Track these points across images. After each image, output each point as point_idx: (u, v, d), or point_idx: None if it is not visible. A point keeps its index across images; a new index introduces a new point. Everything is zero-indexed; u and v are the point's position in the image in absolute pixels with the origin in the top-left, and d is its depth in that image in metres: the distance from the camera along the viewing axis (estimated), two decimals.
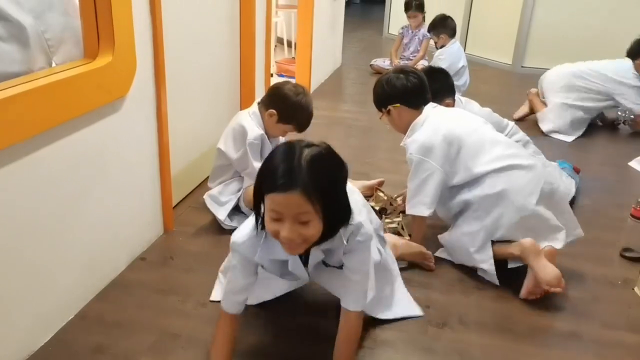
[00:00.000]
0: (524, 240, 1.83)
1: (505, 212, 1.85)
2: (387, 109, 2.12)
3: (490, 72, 5.55)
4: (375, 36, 7.35)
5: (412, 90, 2.05)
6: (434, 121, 2.00)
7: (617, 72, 3.61)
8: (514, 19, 5.46)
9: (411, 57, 5.08)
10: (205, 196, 2.31)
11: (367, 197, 2.58)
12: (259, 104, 2.32)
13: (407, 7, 5.01)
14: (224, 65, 2.79)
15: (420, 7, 4.96)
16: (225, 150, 2.27)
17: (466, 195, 1.94)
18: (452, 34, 4.29)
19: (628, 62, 3.61)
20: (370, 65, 5.20)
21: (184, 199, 2.50)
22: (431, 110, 2.06)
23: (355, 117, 3.91)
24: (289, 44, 5.80)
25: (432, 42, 4.47)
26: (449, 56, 4.21)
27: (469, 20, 6.00)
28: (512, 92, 4.96)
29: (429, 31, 4.49)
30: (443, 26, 4.29)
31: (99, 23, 1.68)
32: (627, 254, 2.15)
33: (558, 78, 3.83)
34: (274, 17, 5.20)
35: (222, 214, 2.24)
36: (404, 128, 2.11)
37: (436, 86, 2.46)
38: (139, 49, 1.86)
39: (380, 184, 2.66)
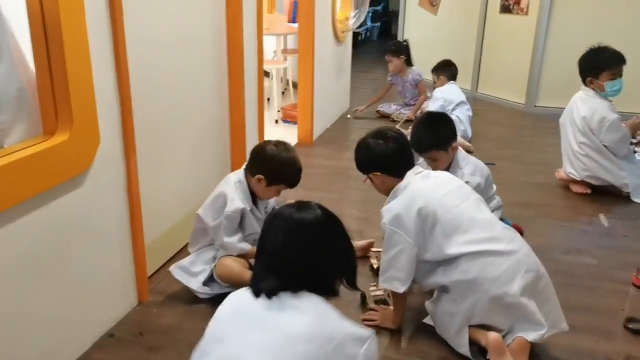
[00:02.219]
0: (490, 336, 1.69)
1: (479, 301, 1.71)
2: (369, 176, 2.02)
3: (503, 112, 5.41)
4: (387, 76, 7.28)
5: (392, 157, 1.94)
6: (413, 190, 1.88)
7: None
8: (526, 58, 5.34)
9: (411, 103, 5.01)
10: (172, 267, 2.20)
11: (359, 258, 2.47)
12: (245, 169, 2.25)
13: (385, 51, 5.02)
14: (210, 123, 2.74)
15: (396, 52, 4.91)
16: (202, 216, 2.20)
17: (441, 278, 1.80)
18: (451, 77, 4.31)
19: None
20: (377, 110, 5.13)
21: (164, 264, 2.42)
22: (413, 177, 1.93)
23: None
24: (296, 86, 5.77)
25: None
26: (442, 93, 4.24)
27: (480, 59, 5.90)
28: (524, 134, 4.81)
29: (432, 72, 4.49)
30: (444, 69, 4.36)
31: (56, 98, 1.65)
32: (631, 326, 1.98)
33: None
34: (278, 65, 5.20)
35: (194, 284, 2.15)
36: (387, 192, 2.00)
37: (438, 135, 2.42)
38: (104, 117, 1.81)
39: (370, 245, 2.55)
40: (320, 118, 4.40)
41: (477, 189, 2.39)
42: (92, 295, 1.88)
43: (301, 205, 1.37)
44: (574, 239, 2.74)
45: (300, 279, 1.27)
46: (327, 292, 1.32)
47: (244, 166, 2.27)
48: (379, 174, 1.96)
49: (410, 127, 4.06)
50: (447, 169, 2.44)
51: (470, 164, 2.50)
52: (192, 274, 2.17)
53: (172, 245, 2.52)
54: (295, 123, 4.44)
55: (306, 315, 1.21)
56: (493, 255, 1.71)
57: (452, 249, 1.75)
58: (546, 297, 1.75)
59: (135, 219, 2.04)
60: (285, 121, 4.83)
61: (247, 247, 2.20)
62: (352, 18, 4.73)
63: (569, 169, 3.37)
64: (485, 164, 3.77)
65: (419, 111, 4.82)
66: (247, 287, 1.31)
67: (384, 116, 5.05)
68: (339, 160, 3.95)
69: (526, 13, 5.31)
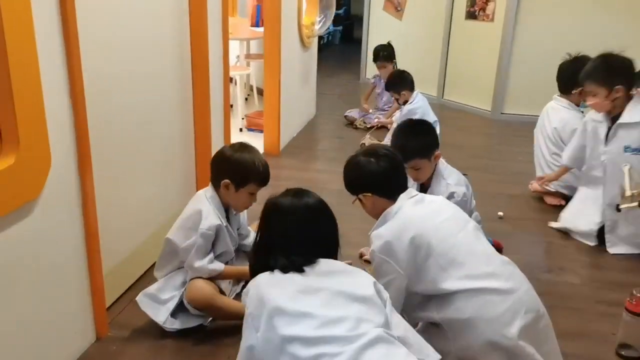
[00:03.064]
0: None
1: (473, 342, 1.57)
2: (358, 196, 1.86)
3: (469, 120, 5.38)
4: (352, 81, 7.19)
5: (385, 177, 1.79)
6: (405, 216, 1.72)
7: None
8: (492, 64, 5.32)
9: (385, 108, 4.89)
10: (139, 297, 2.00)
11: None
12: (211, 184, 2.10)
13: (375, 57, 4.86)
14: (173, 133, 2.55)
15: (389, 57, 4.79)
16: (173, 239, 2.02)
17: (432, 314, 1.65)
18: (412, 87, 4.13)
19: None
20: (345, 116, 5.00)
21: (125, 292, 2.21)
22: (406, 200, 1.77)
23: (327, 177, 3.66)
24: (261, 92, 5.59)
25: None
26: (419, 109, 4.06)
27: (445, 65, 5.86)
28: (492, 142, 4.78)
29: (387, 89, 4.31)
30: (402, 83, 4.12)
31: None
32: (624, 352, 1.90)
33: None
34: (243, 71, 5.01)
35: (162, 314, 1.95)
36: (378, 215, 1.84)
37: (421, 142, 2.30)
38: (56, 137, 1.61)
39: None
40: (287, 127, 4.24)
41: (464, 199, 2.30)
42: (45, 333, 1.67)
43: (297, 192, 1.57)
44: (554, 256, 2.67)
45: (318, 253, 1.48)
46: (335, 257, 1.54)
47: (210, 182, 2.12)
48: (369, 194, 1.81)
49: (388, 136, 4.07)
50: (429, 180, 2.34)
51: (454, 174, 2.40)
52: (160, 301, 1.98)
53: (135, 269, 2.31)
54: (260, 131, 4.26)
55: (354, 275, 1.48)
56: (492, 294, 1.57)
57: (448, 284, 1.60)
58: (545, 337, 1.62)
59: (92, 247, 1.83)
60: (250, 129, 4.65)
61: (219, 267, 2.04)
62: (318, 23, 4.59)
63: None
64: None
65: (391, 117, 4.73)
66: (265, 273, 1.45)
67: (352, 122, 4.92)
68: (308, 172, 3.80)
69: (492, 20, 5.29)
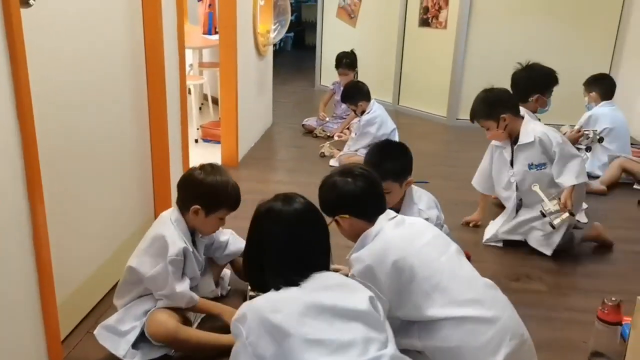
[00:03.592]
0: None
1: None
2: (335, 218, 1.78)
3: (426, 126, 5.41)
4: (307, 88, 7.14)
5: (362, 197, 1.72)
6: (386, 239, 1.64)
7: None
8: (446, 71, 5.38)
9: (344, 116, 4.86)
10: (97, 330, 1.87)
11: None
12: (177, 206, 1.99)
13: (338, 64, 4.81)
14: (128, 149, 2.42)
15: (351, 65, 4.76)
16: (137, 267, 1.89)
17: (415, 341, 1.59)
18: (368, 97, 4.09)
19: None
20: (303, 124, 4.93)
21: (81, 321, 2.06)
22: (386, 222, 1.69)
23: (288, 189, 3.50)
24: (215, 101, 5.47)
25: None
26: (377, 118, 4.05)
27: (400, 72, 5.89)
28: (450, 149, 4.82)
29: (343, 102, 4.26)
30: (359, 94, 4.08)
31: None
32: None
33: None
34: (198, 80, 4.88)
35: (122, 348, 1.82)
36: (355, 237, 1.75)
37: (396, 165, 2.21)
38: (2, 161, 1.48)
39: None
40: (245, 137, 4.14)
41: (438, 222, 2.25)
42: None
43: (286, 197, 1.59)
44: (520, 263, 2.68)
45: (312, 263, 1.48)
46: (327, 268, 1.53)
47: (175, 204, 2.01)
48: (347, 216, 1.73)
49: (347, 147, 4.03)
50: (398, 204, 2.25)
51: (424, 196, 2.33)
52: (120, 333, 1.85)
53: (91, 297, 2.17)
54: (216, 142, 4.15)
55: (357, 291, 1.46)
56: (477, 323, 1.51)
57: (432, 311, 1.54)
58: None
59: (45, 277, 1.69)
60: (205, 140, 4.52)
61: (196, 297, 1.94)
62: (273, 31, 4.51)
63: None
64: (418, 182, 3.72)
65: (348, 127, 4.70)
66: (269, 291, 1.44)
67: (310, 131, 4.86)
68: (268, 183, 3.71)
69: (445, 27, 5.35)
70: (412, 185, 2.30)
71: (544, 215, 2.55)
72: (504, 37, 5.19)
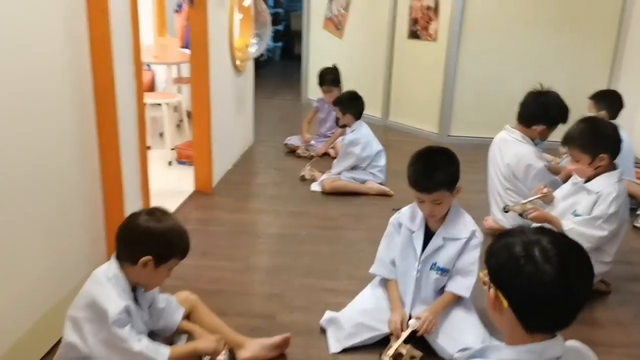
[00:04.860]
0: None
1: None
2: None
3: (416, 143, 5.08)
4: (293, 101, 6.85)
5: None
6: None
7: None
8: (437, 85, 5.12)
9: (328, 134, 4.58)
10: None
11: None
12: (117, 259, 1.70)
13: (321, 81, 4.53)
14: (71, 186, 2.12)
15: (336, 81, 4.49)
16: (76, 343, 1.61)
17: None
18: (357, 115, 3.85)
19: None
20: (285, 143, 4.64)
21: None
22: None
23: (266, 219, 3.30)
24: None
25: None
26: (361, 138, 3.80)
27: (389, 85, 5.62)
28: None
29: (334, 104, 4.01)
30: (351, 105, 3.85)
31: None
32: None
33: None
34: (172, 98, 4.58)
35: None
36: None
37: (449, 173, 2.07)
38: None
39: (286, 341, 2.03)
40: (220, 159, 3.84)
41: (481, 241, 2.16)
42: None
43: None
44: None
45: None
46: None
47: (113, 256, 1.72)
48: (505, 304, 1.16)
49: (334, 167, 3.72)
50: (443, 217, 2.14)
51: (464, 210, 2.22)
52: None
53: (28, 355, 1.87)
54: (192, 164, 3.85)
55: None
56: None
57: None
58: None
59: None
60: (180, 162, 4.22)
61: (165, 351, 1.69)
62: (252, 45, 4.23)
63: (499, 216, 3.08)
64: (398, 209, 3.43)
65: (332, 146, 4.43)
66: None
67: (292, 150, 4.57)
68: (244, 213, 3.41)
69: (435, 39, 5.09)
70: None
71: (521, 215, 2.44)
72: (496, 50, 4.94)
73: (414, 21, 5.22)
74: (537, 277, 1.08)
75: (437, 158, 2.11)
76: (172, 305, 1.91)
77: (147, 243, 1.67)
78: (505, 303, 1.14)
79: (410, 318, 2.09)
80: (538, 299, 1.09)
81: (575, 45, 4.87)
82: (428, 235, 2.17)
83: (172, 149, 4.30)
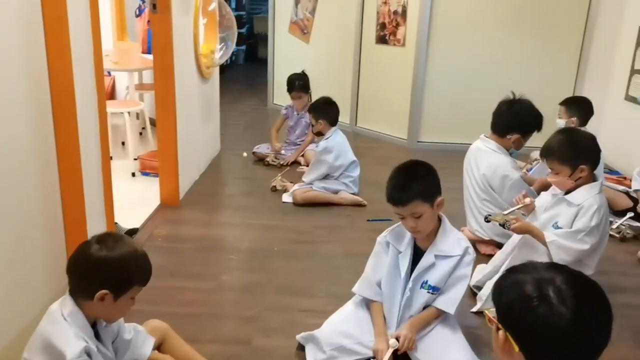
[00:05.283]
0: None
1: None
2: None
3: (386, 149, 5.09)
4: (259, 107, 6.73)
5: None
6: None
7: None
8: (406, 91, 5.08)
9: (298, 142, 4.48)
10: None
11: None
12: (71, 295, 1.55)
13: (290, 87, 4.42)
14: (28, 209, 1.96)
15: (305, 88, 4.39)
16: None
17: None
18: (332, 122, 3.77)
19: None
20: (254, 152, 4.51)
21: None
22: None
23: (237, 234, 3.16)
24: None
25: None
26: (335, 146, 3.71)
27: (357, 91, 5.55)
28: None
29: (308, 111, 3.93)
30: (325, 112, 3.76)
31: None
32: None
33: None
34: (134, 107, 4.39)
35: None
36: None
37: (424, 183, 2.01)
38: None
39: None
40: (187, 170, 3.69)
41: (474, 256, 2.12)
42: None
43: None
44: None
45: None
46: None
47: (67, 292, 1.57)
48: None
49: (306, 176, 3.63)
50: (432, 235, 2.06)
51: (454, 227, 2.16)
52: None
53: None
54: (157, 175, 3.68)
55: None
56: None
57: None
58: None
59: None
60: (144, 173, 4.05)
61: None
62: (218, 51, 4.09)
63: (475, 227, 3.03)
64: (381, 220, 3.38)
65: (302, 154, 4.33)
66: None
67: (261, 159, 4.45)
68: (214, 227, 3.27)
69: (403, 44, 5.05)
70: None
71: (502, 226, 2.41)
72: (465, 55, 4.94)
73: (382, 26, 5.17)
74: (552, 321, 0.99)
75: (414, 170, 2.05)
76: (140, 336, 1.77)
77: (102, 275, 1.52)
78: (516, 348, 1.05)
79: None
80: (552, 344, 1.00)
81: (542, 50, 4.90)
82: (419, 254, 2.09)
83: (135, 159, 4.12)
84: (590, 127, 3.86)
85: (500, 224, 2.43)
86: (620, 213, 3.45)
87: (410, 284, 2.06)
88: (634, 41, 4.38)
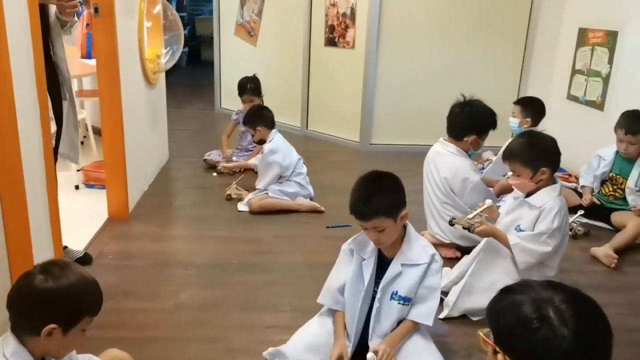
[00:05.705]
0: None
1: None
2: None
3: (338, 153, 5.04)
4: (207, 111, 6.55)
5: None
6: None
7: None
8: (357, 93, 5.05)
9: (250, 148, 4.36)
10: None
11: None
12: (14, 332, 1.40)
13: (242, 91, 4.30)
14: None
15: (257, 91, 4.29)
16: None
17: None
18: (270, 125, 3.70)
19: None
20: (204, 159, 4.36)
21: None
22: None
23: (193, 247, 3.02)
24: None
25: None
26: (280, 147, 3.64)
27: (308, 94, 5.49)
28: None
29: (244, 124, 3.86)
30: (260, 118, 3.69)
31: None
32: None
33: None
34: (79, 114, 4.14)
35: None
36: None
37: (388, 198, 1.92)
38: None
39: None
40: (136, 181, 3.51)
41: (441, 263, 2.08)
42: None
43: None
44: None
45: None
46: None
47: (9, 331, 1.42)
48: None
49: (259, 182, 3.53)
50: (398, 244, 1.99)
51: (420, 235, 2.11)
52: None
53: None
54: (103, 187, 3.48)
55: None
56: None
57: None
58: None
59: None
60: (89, 185, 3.83)
61: None
62: (164, 56, 3.93)
63: (436, 230, 3.03)
64: (341, 226, 3.32)
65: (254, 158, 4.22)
66: None
67: (212, 166, 4.31)
68: (168, 241, 3.12)
69: (353, 47, 5.03)
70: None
71: (467, 229, 2.40)
72: (415, 56, 4.97)
73: (331, 29, 5.13)
74: (554, 344, 0.95)
75: (379, 183, 1.96)
76: None
77: (49, 309, 1.37)
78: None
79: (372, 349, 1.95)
80: None
81: (488, 51, 4.99)
82: (385, 262, 2.03)
83: (78, 171, 3.89)
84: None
85: (464, 228, 2.42)
86: (571, 210, 3.54)
87: (379, 294, 2.01)
88: (574, 42, 4.52)
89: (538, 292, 1.02)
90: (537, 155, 2.33)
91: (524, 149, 2.35)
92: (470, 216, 2.45)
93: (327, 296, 2.12)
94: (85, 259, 2.71)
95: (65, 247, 2.69)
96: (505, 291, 1.08)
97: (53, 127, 2.44)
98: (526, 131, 2.51)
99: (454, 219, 2.49)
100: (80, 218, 3.26)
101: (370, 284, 2.02)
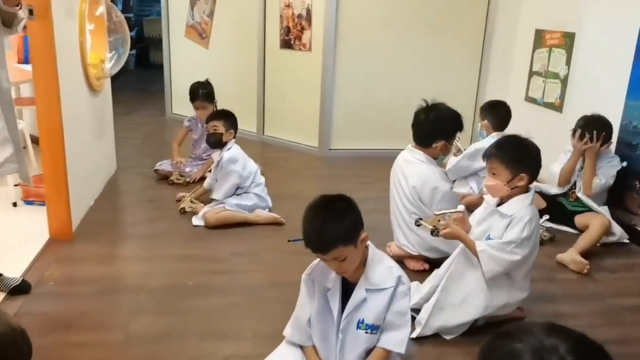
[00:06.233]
0: None
1: None
2: None
3: (297, 159, 4.87)
4: (157, 117, 6.25)
5: None
6: None
7: None
8: (315, 97, 4.90)
9: (204, 157, 4.13)
10: None
11: None
12: None
13: (193, 97, 4.07)
14: None
15: (210, 97, 4.06)
16: None
17: None
18: (234, 129, 3.50)
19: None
20: (155, 170, 4.11)
21: None
22: None
23: (144, 269, 2.78)
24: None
25: None
26: (239, 155, 3.45)
27: (263, 98, 5.29)
28: (329, 187, 4.27)
29: (207, 122, 3.59)
30: (229, 117, 3.49)
31: None
32: None
33: None
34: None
35: None
36: None
37: (344, 224, 1.71)
38: None
39: None
40: (79, 196, 3.24)
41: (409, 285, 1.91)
42: None
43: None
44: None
45: None
46: None
47: None
48: None
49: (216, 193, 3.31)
50: (360, 268, 1.81)
51: (384, 254, 1.95)
52: None
53: None
54: (43, 203, 3.20)
55: None
56: None
57: None
58: None
59: None
60: (28, 202, 3.53)
61: None
62: (109, 60, 3.66)
63: (403, 241, 2.90)
64: (295, 240, 3.12)
65: (209, 169, 3.99)
66: None
67: (165, 177, 4.06)
68: (116, 263, 2.88)
69: (309, 49, 4.87)
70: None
71: (432, 232, 2.32)
72: (372, 58, 4.85)
73: (287, 30, 4.95)
74: None
75: (330, 209, 1.73)
76: None
77: None
78: None
79: None
80: None
81: (446, 52, 4.93)
82: (349, 288, 1.87)
83: (16, 186, 3.58)
84: None
85: (430, 231, 2.31)
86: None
87: (342, 324, 1.84)
88: (531, 43, 4.51)
89: (540, 339, 0.87)
90: (521, 159, 2.24)
91: (510, 149, 2.26)
92: (437, 212, 2.34)
93: (297, 332, 1.93)
94: (22, 288, 2.44)
95: (0, 275, 2.43)
96: (502, 337, 0.92)
97: None
98: (514, 134, 2.40)
99: (420, 219, 2.41)
100: (18, 239, 2.99)
101: (339, 315, 1.85)
